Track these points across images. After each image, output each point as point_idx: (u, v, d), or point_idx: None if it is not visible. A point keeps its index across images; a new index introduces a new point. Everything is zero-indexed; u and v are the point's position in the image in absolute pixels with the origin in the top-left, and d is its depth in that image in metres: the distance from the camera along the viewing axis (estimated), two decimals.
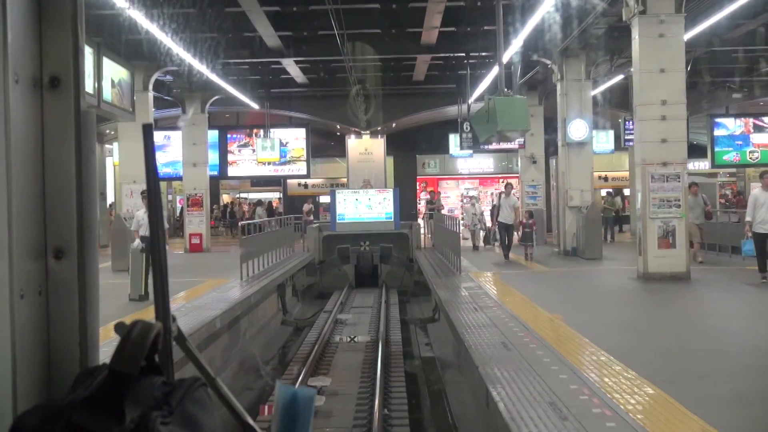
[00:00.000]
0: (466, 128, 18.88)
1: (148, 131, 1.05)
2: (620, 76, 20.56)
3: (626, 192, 31.88)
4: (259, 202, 34.25)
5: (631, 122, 20.05)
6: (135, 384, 0.88)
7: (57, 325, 1.10)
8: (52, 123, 1.10)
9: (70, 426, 0.86)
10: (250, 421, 1.01)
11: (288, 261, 19.75)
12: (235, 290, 13.67)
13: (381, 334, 14.50)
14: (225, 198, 39.80)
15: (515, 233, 17.81)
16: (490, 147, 21.77)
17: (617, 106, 24.38)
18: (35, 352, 1.07)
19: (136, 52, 18.27)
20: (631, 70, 20.22)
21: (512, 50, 15.93)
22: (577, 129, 18.93)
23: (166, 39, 15.88)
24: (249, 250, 16.27)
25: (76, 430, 0.86)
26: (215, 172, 29.71)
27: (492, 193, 34.48)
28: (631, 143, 21.04)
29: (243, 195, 40.62)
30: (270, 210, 33.92)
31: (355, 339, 14.87)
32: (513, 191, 18.87)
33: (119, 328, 0.92)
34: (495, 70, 19.85)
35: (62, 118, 1.10)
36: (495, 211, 17.82)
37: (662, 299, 11.78)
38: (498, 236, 17.72)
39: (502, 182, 36.03)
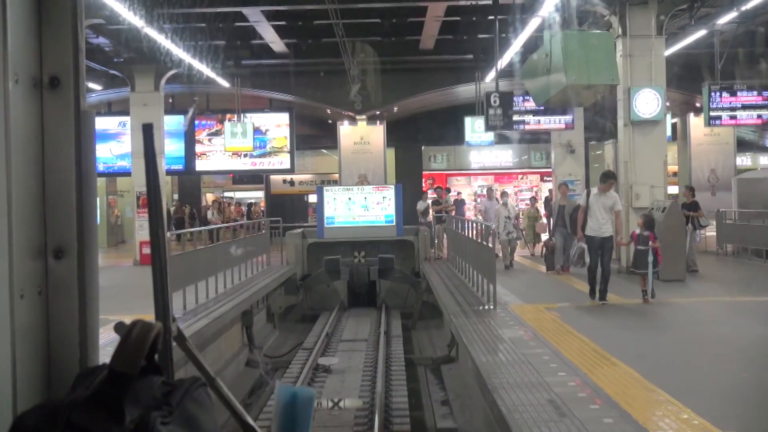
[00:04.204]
0: (494, 102, 13.89)
1: (148, 131, 1.08)
2: (701, 32, 15.44)
3: (670, 190, 27.05)
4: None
5: (718, 93, 15.13)
6: (135, 384, 0.89)
7: (57, 325, 1.12)
8: (52, 123, 1.11)
9: (70, 426, 0.87)
10: (250, 421, 1.02)
11: (260, 278, 15.88)
12: None
13: (378, 396, 10.06)
14: (209, 197, 34.89)
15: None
16: (529, 125, 16.52)
17: (681, 79, 19.24)
18: (35, 352, 1.09)
19: None
20: (719, 22, 15.44)
21: None
22: (646, 102, 13.94)
23: None
24: (191, 269, 11.77)
25: (76, 430, 0.86)
26: (180, 166, 24.71)
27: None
28: (717, 122, 16.04)
29: (227, 194, 35.62)
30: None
31: (341, 405, 10.23)
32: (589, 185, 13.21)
33: (119, 328, 0.94)
34: (531, 28, 14.97)
35: (62, 118, 1.11)
36: (580, 216, 10.91)
37: None
38: (580, 257, 10.70)
39: (522, 178, 31.32)
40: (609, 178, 10.83)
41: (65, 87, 1.10)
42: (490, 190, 19.98)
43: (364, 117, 23.58)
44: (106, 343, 1.06)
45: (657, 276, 10.74)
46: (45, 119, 1.10)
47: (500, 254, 17.79)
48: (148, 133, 1.07)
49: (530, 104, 16.19)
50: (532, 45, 14.40)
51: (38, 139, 1.09)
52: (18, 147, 1.03)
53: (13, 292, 1.03)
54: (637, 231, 10.84)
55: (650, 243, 10.46)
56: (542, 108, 15.96)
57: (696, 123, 23.99)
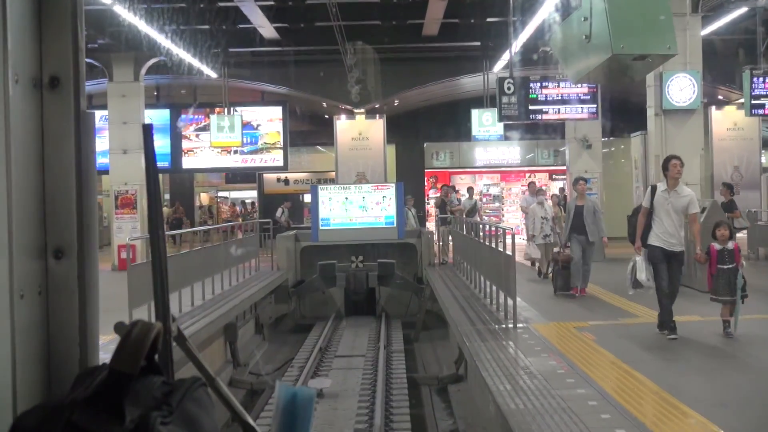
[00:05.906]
0: (508, 89, 12.28)
1: (147, 131, 1.06)
2: (741, 10, 13.83)
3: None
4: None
5: (761, 78, 13.53)
6: (135, 384, 0.89)
7: (57, 325, 1.11)
8: (52, 123, 1.11)
9: (70, 426, 0.86)
10: (250, 421, 1.00)
11: (245, 286, 14.39)
12: None
13: (377, 429, 8.72)
14: (204, 197, 33.37)
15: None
16: (547, 115, 14.72)
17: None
18: (35, 352, 1.08)
19: None
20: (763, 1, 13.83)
21: None
22: (680, 89, 12.35)
23: None
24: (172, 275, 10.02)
25: (76, 430, 0.86)
26: (166, 164, 23.18)
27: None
28: (760, 111, 14.40)
29: (222, 194, 34.07)
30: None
31: None
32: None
33: (119, 327, 0.92)
34: (548, 8, 13.33)
35: (62, 118, 1.11)
36: (641, 220, 8.31)
37: None
38: (644, 275, 8.09)
39: (530, 177, 29.65)
40: (671, 160, 8.25)
41: (65, 87, 1.10)
42: (532, 183, 17.37)
43: (362, 111, 21.99)
44: (106, 344, 1.04)
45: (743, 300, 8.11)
46: (45, 119, 1.10)
47: (533, 261, 16.00)
48: (148, 133, 1.05)
49: (549, 91, 14.50)
50: (548, 27, 12.83)
51: (38, 139, 1.09)
52: (18, 147, 1.03)
53: (13, 292, 1.03)
54: (716, 246, 8.14)
55: (739, 261, 8.00)
56: (563, 96, 14.31)
57: (718, 117, 22.37)
